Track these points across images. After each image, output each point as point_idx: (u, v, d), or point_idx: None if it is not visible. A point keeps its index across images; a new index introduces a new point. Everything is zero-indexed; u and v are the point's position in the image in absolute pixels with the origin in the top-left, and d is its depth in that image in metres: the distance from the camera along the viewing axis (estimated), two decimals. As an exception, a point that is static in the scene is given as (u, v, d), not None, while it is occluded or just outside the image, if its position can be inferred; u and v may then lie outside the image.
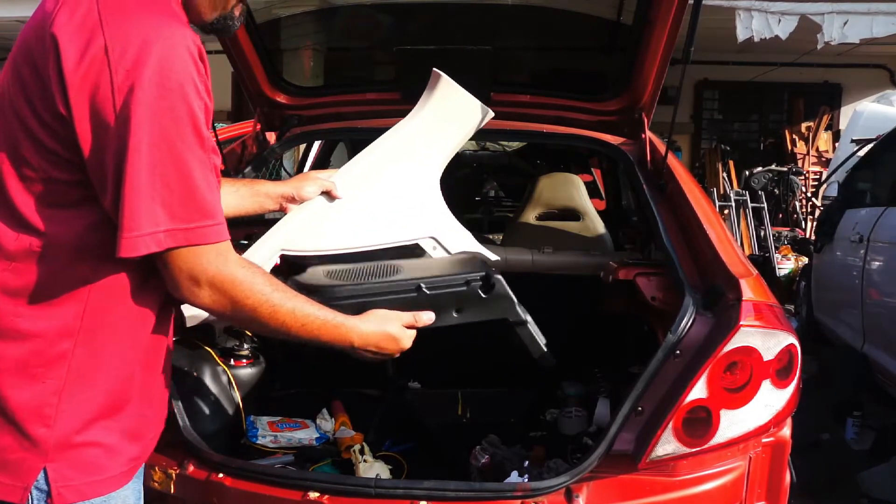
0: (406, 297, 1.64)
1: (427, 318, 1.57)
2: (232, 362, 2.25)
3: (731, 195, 9.19)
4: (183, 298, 1.26)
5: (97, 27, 1.13)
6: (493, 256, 2.01)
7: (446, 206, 2.04)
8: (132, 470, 1.34)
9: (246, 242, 2.57)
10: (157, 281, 1.27)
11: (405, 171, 2.04)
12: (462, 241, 1.97)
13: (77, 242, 1.21)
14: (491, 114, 2.11)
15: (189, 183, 1.18)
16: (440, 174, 2.07)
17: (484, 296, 1.72)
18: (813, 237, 7.93)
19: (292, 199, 1.89)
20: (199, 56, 1.20)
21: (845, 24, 7.08)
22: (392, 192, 2.00)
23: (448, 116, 2.07)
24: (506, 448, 2.22)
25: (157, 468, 1.86)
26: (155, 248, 1.17)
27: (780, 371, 1.78)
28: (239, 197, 1.79)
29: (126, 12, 1.15)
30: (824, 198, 7.63)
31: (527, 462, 2.16)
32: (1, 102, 1.24)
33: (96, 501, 1.27)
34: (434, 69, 2.13)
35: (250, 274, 1.29)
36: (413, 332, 1.54)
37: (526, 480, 1.97)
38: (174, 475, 1.85)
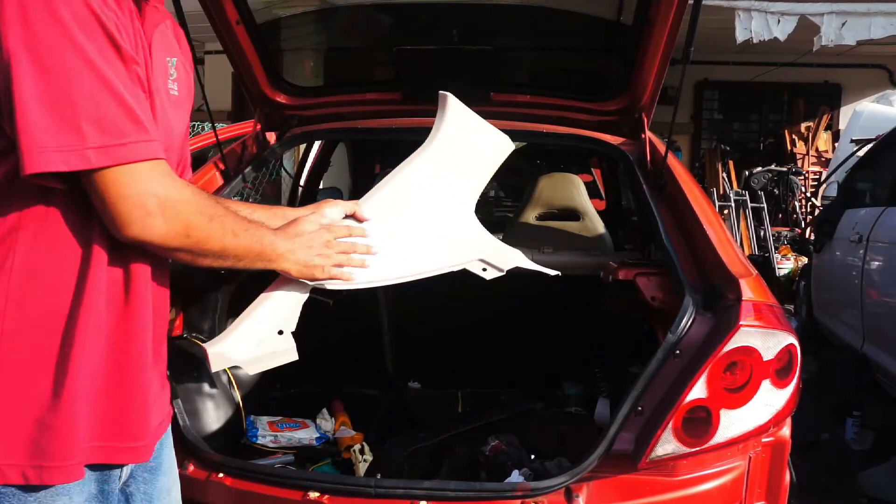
0: None
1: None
2: (232, 362, 2.25)
3: (731, 195, 9.20)
4: (133, 235, 1.12)
5: None
6: (550, 272, 1.88)
7: (486, 230, 1.90)
8: (81, 466, 1.17)
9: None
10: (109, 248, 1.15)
11: (436, 198, 1.90)
12: (512, 258, 1.82)
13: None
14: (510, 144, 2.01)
15: (112, 93, 1.08)
16: (474, 201, 1.94)
17: None
18: (809, 235, 7.93)
19: None
20: None
21: (843, 24, 7.08)
22: (427, 221, 1.86)
23: (469, 143, 1.97)
24: (518, 448, 2.22)
25: (157, 468, 1.87)
26: (79, 164, 1.06)
27: (780, 371, 1.78)
28: (256, 218, 1.58)
29: None
30: (824, 198, 7.64)
31: (532, 455, 2.17)
32: None
33: (42, 494, 1.13)
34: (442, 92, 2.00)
35: (197, 190, 1.21)
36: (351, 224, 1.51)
37: (526, 479, 1.98)
38: (174, 475, 1.85)
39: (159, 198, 1.12)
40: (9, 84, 1.04)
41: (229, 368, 2.27)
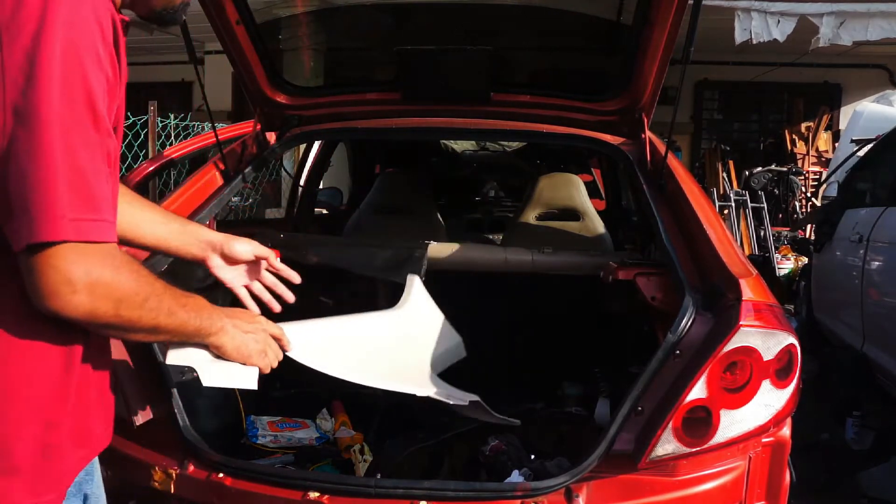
0: None
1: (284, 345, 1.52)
2: (232, 362, 2.25)
3: (731, 195, 9.20)
4: (50, 305, 1.05)
5: None
6: (514, 421, 2.04)
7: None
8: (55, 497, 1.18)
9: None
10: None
11: (407, 342, 2.09)
12: (469, 396, 1.98)
13: None
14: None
15: (76, 167, 1.02)
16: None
17: None
18: (804, 234, 7.92)
19: (218, 250, 1.64)
20: (112, 22, 1.09)
21: (841, 24, 7.09)
22: (402, 350, 2.06)
23: (428, 320, 2.24)
24: (518, 448, 2.22)
25: (157, 468, 1.87)
26: (27, 238, 1.01)
27: (780, 371, 1.78)
28: (168, 230, 1.57)
29: None
30: (824, 198, 7.64)
31: (533, 455, 2.17)
32: None
33: None
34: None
35: (136, 269, 1.15)
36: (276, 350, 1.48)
37: (526, 479, 1.98)
38: (174, 475, 1.85)
39: (91, 277, 1.06)
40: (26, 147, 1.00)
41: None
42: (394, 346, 2.07)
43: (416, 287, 2.28)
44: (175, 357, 1.38)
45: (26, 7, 1.01)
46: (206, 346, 1.37)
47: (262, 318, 1.49)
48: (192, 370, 1.41)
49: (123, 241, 1.40)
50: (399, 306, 2.23)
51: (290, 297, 1.72)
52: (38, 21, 1.00)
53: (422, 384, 1.95)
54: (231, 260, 1.65)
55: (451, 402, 1.90)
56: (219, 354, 1.38)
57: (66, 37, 1.01)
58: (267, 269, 1.71)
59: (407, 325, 2.16)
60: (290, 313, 1.71)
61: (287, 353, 1.54)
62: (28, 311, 1.08)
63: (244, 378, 1.44)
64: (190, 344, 1.37)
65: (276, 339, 1.49)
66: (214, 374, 1.41)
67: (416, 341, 2.14)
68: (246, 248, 1.66)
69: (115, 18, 1.11)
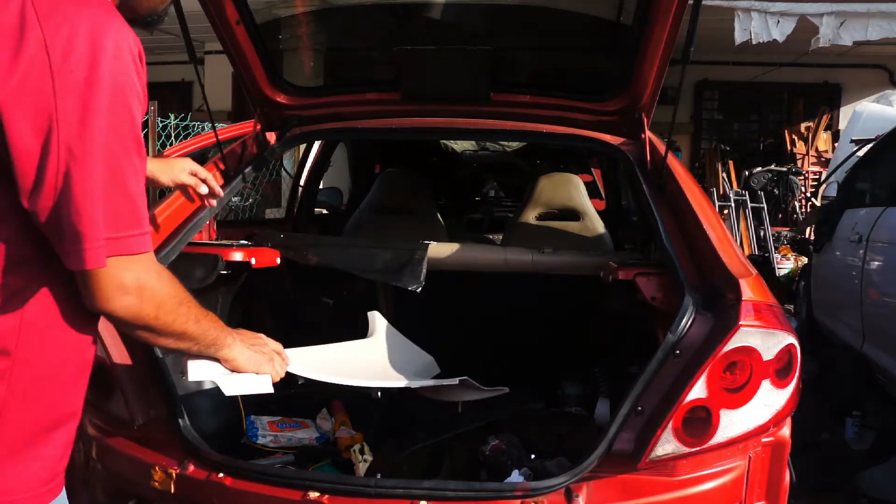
0: None
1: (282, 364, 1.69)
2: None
3: (731, 195, 9.20)
4: (104, 307, 1.19)
5: (34, 20, 1.07)
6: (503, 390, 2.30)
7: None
8: (62, 479, 1.29)
9: (245, 242, 2.58)
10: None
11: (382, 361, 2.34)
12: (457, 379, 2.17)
13: (8, 251, 1.14)
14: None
15: (126, 192, 1.15)
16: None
17: None
18: (803, 234, 7.91)
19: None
20: (139, 55, 1.17)
21: (841, 24, 7.08)
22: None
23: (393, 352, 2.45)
24: (518, 448, 2.22)
25: (157, 468, 1.87)
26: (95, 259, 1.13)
27: (780, 371, 1.78)
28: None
29: (63, 4, 1.09)
30: (824, 198, 7.64)
31: (533, 455, 2.17)
32: None
33: None
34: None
35: (171, 276, 1.30)
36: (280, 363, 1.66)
37: (526, 479, 1.98)
38: (174, 475, 1.85)
39: (140, 281, 1.20)
40: (67, 180, 1.08)
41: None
42: (376, 359, 2.31)
43: (378, 321, 2.48)
44: (195, 373, 1.52)
45: (77, 52, 1.08)
46: (217, 360, 1.51)
47: (263, 336, 1.68)
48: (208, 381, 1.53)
49: None
50: (370, 336, 2.45)
51: (212, 201, 2.22)
52: (88, 67, 1.08)
53: (411, 380, 2.13)
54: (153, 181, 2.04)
55: (445, 384, 2.06)
56: (232, 367, 1.53)
57: (113, 79, 1.11)
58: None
59: (382, 350, 2.38)
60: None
61: (287, 369, 1.71)
62: (74, 307, 1.20)
63: (260, 384, 1.60)
64: (204, 358, 1.50)
65: (277, 354, 1.67)
66: (233, 383, 1.57)
67: (393, 360, 2.35)
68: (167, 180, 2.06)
69: (139, 49, 1.18)
